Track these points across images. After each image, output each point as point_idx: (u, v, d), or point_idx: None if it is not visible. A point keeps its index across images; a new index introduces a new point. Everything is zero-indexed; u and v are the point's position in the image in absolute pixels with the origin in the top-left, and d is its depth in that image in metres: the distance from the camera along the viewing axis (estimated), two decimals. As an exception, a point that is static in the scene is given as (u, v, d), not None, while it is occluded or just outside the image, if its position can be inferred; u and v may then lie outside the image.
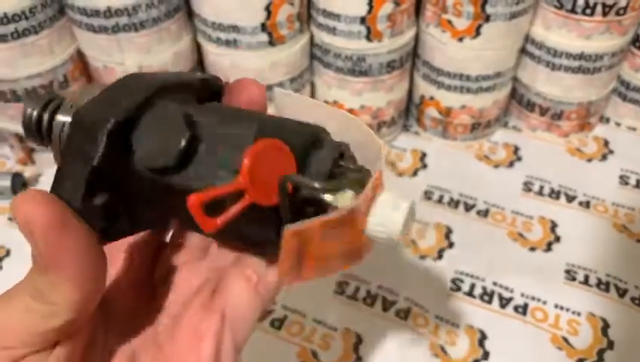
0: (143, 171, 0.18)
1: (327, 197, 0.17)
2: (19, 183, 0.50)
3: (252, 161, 0.16)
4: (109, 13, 0.44)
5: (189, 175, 0.17)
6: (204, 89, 0.21)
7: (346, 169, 0.18)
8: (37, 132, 0.21)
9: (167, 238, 0.25)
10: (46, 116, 0.21)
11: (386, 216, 0.18)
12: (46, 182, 0.52)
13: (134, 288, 0.23)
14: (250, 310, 0.21)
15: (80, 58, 0.50)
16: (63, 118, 0.20)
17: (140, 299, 0.23)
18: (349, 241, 0.18)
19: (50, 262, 0.17)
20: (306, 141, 0.17)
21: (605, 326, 0.40)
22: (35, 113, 0.21)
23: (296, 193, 0.17)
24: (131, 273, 0.23)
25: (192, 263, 0.23)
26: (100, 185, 0.18)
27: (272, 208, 0.17)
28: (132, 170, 0.18)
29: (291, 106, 0.21)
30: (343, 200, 0.17)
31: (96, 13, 0.44)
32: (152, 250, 0.24)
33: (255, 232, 0.18)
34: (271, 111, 0.22)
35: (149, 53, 0.47)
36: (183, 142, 0.17)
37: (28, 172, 0.53)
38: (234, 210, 0.16)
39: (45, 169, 0.53)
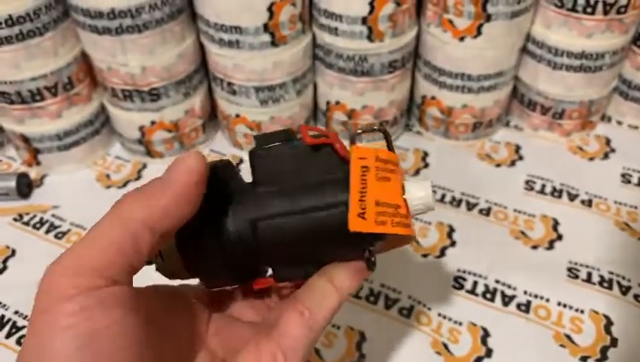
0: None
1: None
2: (24, 184, 0.51)
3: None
4: (112, 14, 0.44)
5: (295, 143, 0.25)
6: None
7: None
8: None
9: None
10: None
11: (417, 189, 0.24)
12: (51, 183, 0.53)
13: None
14: (300, 342, 0.24)
15: (84, 59, 0.50)
16: None
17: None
18: (395, 196, 0.24)
19: (170, 183, 0.22)
20: None
21: (608, 324, 0.40)
22: None
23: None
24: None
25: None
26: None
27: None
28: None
29: None
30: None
31: (99, 14, 0.44)
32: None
33: (326, 195, 0.24)
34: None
35: (153, 54, 0.47)
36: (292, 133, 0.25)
37: (33, 173, 0.53)
38: (322, 140, 0.24)
39: (50, 170, 0.53)
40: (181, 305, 0.26)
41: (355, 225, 0.22)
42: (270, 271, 0.26)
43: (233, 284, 0.27)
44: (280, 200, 0.24)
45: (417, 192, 0.24)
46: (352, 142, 0.24)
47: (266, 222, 0.24)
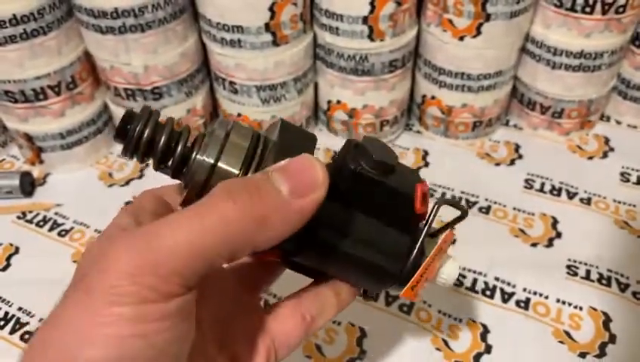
0: (367, 171, 0.23)
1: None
2: (27, 182, 0.51)
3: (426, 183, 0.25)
4: (115, 14, 0.45)
5: (392, 181, 0.24)
6: None
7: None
8: (145, 155, 0.22)
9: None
10: (178, 149, 0.22)
11: (450, 269, 0.27)
12: (54, 181, 0.53)
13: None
14: (294, 342, 0.25)
15: (87, 59, 0.50)
16: (218, 163, 0.21)
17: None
18: (434, 272, 0.26)
19: (292, 205, 0.19)
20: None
21: (607, 320, 0.41)
22: (161, 141, 0.22)
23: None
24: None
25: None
26: None
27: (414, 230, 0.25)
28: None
29: None
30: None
31: (103, 14, 0.45)
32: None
33: (392, 241, 0.24)
34: None
35: (156, 53, 0.48)
36: (397, 159, 0.24)
37: (36, 171, 0.54)
38: (427, 206, 0.25)
39: (53, 168, 0.54)
40: None
41: (406, 294, 0.25)
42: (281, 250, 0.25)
43: None
44: (350, 221, 0.23)
45: (448, 272, 0.27)
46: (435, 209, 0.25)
47: (325, 231, 0.23)
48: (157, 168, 0.23)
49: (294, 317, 0.25)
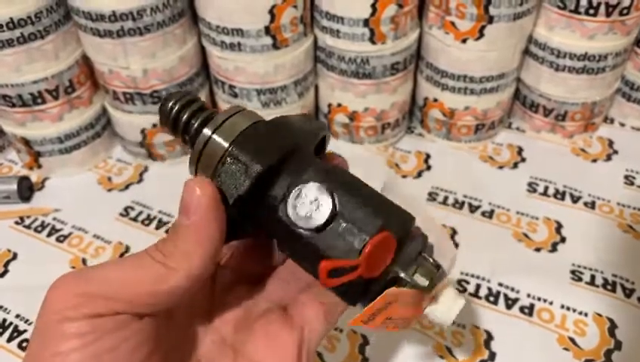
0: (286, 220, 0.23)
1: (419, 279, 0.23)
2: (25, 187, 0.51)
3: (371, 250, 0.21)
4: (114, 17, 0.44)
5: (324, 239, 0.22)
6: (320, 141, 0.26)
7: (425, 260, 0.24)
8: (173, 128, 0.25)
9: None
10: (195, 124, 0.24)
11: (446, 307, 0.24)
12: (52, 186, 0.53)
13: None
14: (321, 332, 0.25)
15: (85, 62, 0.50)
16: (212, 135, 0.23)
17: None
18: (411, 313, 0.24)
19: (196, 226, 0.21)
20: (406, 233, 0.23)
21: (612, 327, 0.40)
22: (184, 117, 0.24)
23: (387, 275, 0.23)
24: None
25: (281, 281, 0.28)
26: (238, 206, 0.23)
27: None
28: (273, 212, 0.23)
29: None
30: (425, 283, 0.23)
31: (101, 17, 0.44)
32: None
33: (347, 288, 0.23)
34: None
35: (154, 57, 0.47)
36: (327, 215, 0.22)
37: (35, 176, 0.53)
38: (345, 279, 0.21)
39: (52, 173, 0.53)
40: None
41: (355, 324, 0.23)
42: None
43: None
44: (295, 241, 0.23)
45: (441, 309, 0.24)
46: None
47: (279, 242, 0.24)
48: (183, 140, 0.25)
49: (313, 307, 0.25)
